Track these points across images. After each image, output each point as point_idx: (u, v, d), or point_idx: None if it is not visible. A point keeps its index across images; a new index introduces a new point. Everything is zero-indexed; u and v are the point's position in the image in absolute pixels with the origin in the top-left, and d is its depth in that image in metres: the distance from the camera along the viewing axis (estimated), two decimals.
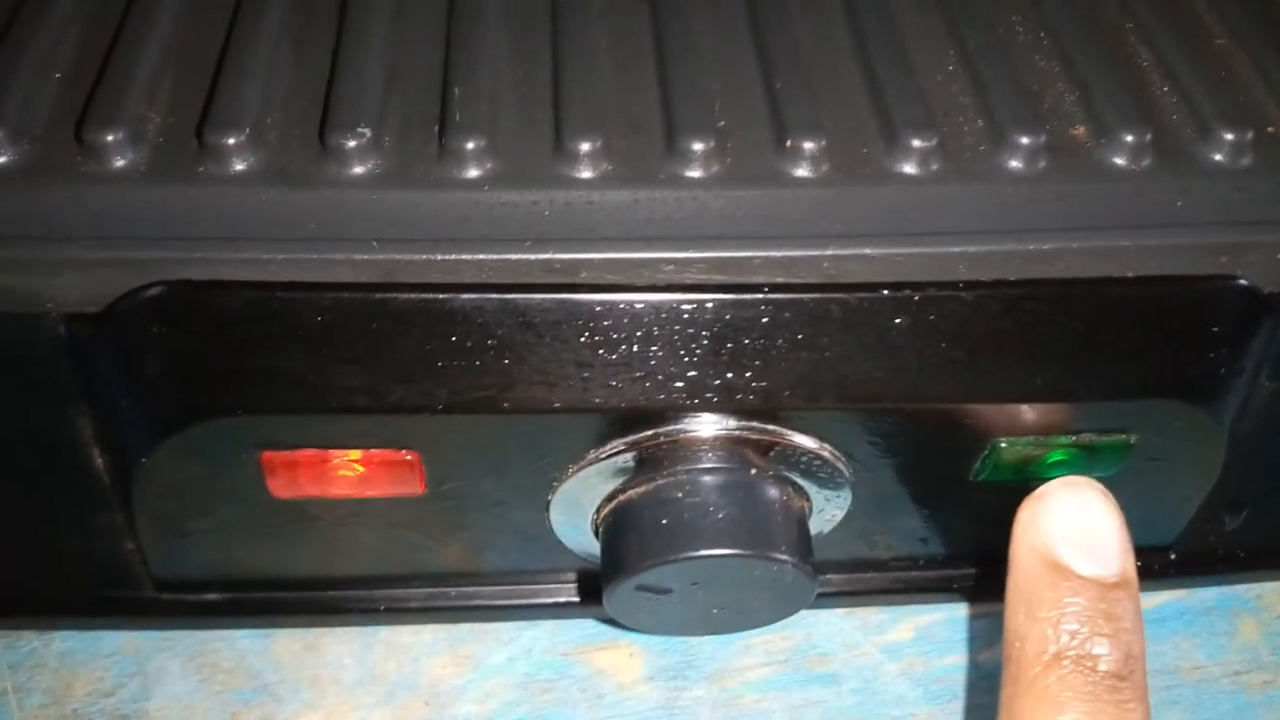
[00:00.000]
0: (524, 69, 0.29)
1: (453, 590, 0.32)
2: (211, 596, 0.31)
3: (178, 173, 0.26)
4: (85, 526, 0.30)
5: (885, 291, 0.25)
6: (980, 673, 0.35)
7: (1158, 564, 0.35)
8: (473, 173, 0.27)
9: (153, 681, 0.32)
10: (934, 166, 0.28)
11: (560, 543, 0.30)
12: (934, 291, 0.25)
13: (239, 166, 0.26)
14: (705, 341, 0.25)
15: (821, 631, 0.34)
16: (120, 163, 0.26)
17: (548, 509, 0.28)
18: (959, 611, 0.35)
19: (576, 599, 0.32)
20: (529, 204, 0.26)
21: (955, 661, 0.35)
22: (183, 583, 0.31)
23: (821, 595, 0.29)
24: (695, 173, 0.27)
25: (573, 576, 0.32)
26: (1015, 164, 0.28)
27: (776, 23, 0.31)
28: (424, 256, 0.25)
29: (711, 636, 0.34)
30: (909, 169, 0.27)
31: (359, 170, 0.26)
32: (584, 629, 0.35)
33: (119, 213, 0.25)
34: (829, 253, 0.25)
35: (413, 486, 0.27)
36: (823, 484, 0.28)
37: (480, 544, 0.30)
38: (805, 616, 0.32)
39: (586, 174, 0.27)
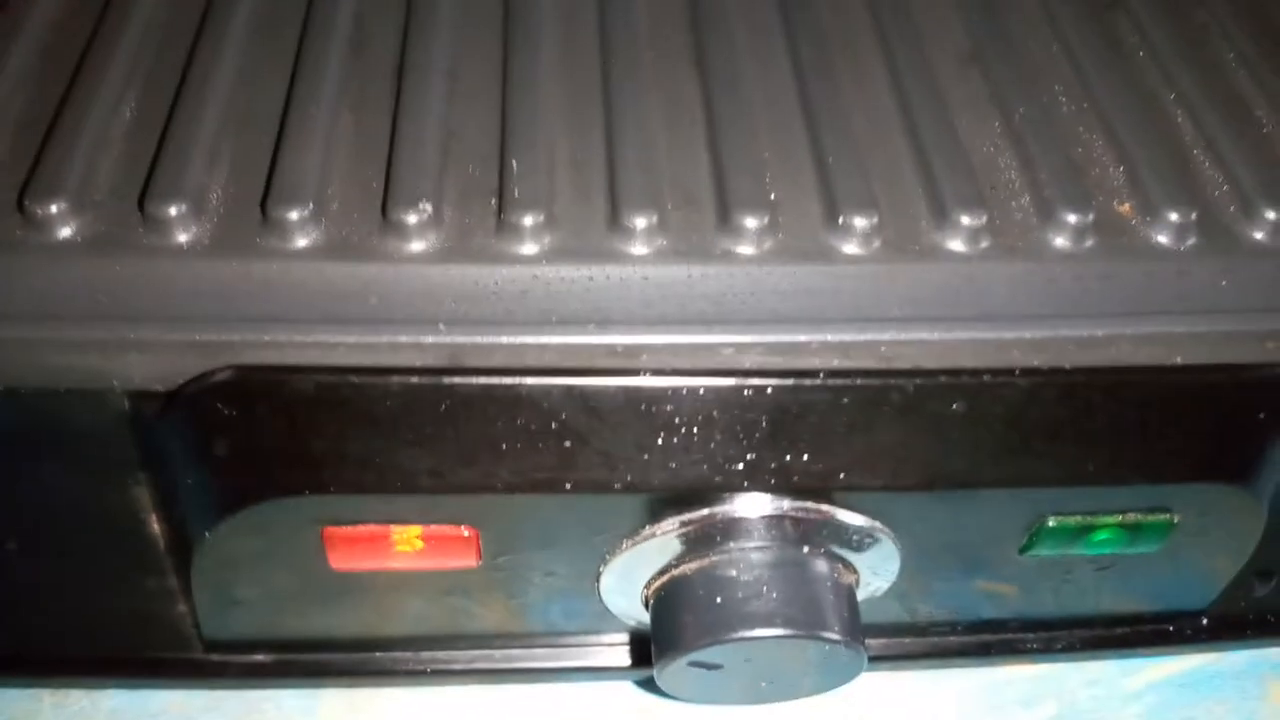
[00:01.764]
0: (577, 138, 0.29)
1: (497, 653, 0.32)
2: (260, 657, 0.32)
3: (241, 248, 0.26)
4: (137, 590, 0.30)
5: (943, 378, 0.25)
6: None
7: (1190, 628, 0.35)
8: (531, 248, 0.27)
9: None
10: (983, 244, 0.28)
11: (607, 609, 0.30)
12: (991, 379, 0.25)
13: (302, 242, 0.26)
14: (764, 425, 0.25)
15: (860, 696, 0.34)
16: (184, 236, 0.26)
17: (598, 579, 0.29)
18: (997, 675, 0.36)
19: (619, 663, 0.33)
20: (585, 279, 0.27)
21: None
22: (232, 644, 0.31)
23: None
24: (748, 249, 0.27)
25: (616, 640, 0.33)
26: (1062, 242, 0.28)
27: (824, 91, 0.31)
28: (488, 339, 0.25)
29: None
30: (958, 246, 0.28)
31: (420, 245, 0.27)
32: (625, 698, 0.35)
33: (183, 289, 0.26)
34: (885, 337, 0.26)
35: (468, 559, 0.27)
36: (871, 559, 0.28)
37: (527, 610, 0.31)
38: None
39: (641, 249, 0.27)
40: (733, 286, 0.27)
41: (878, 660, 0.33)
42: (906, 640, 0.33)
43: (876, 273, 0.27)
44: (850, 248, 0.28)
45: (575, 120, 0.30)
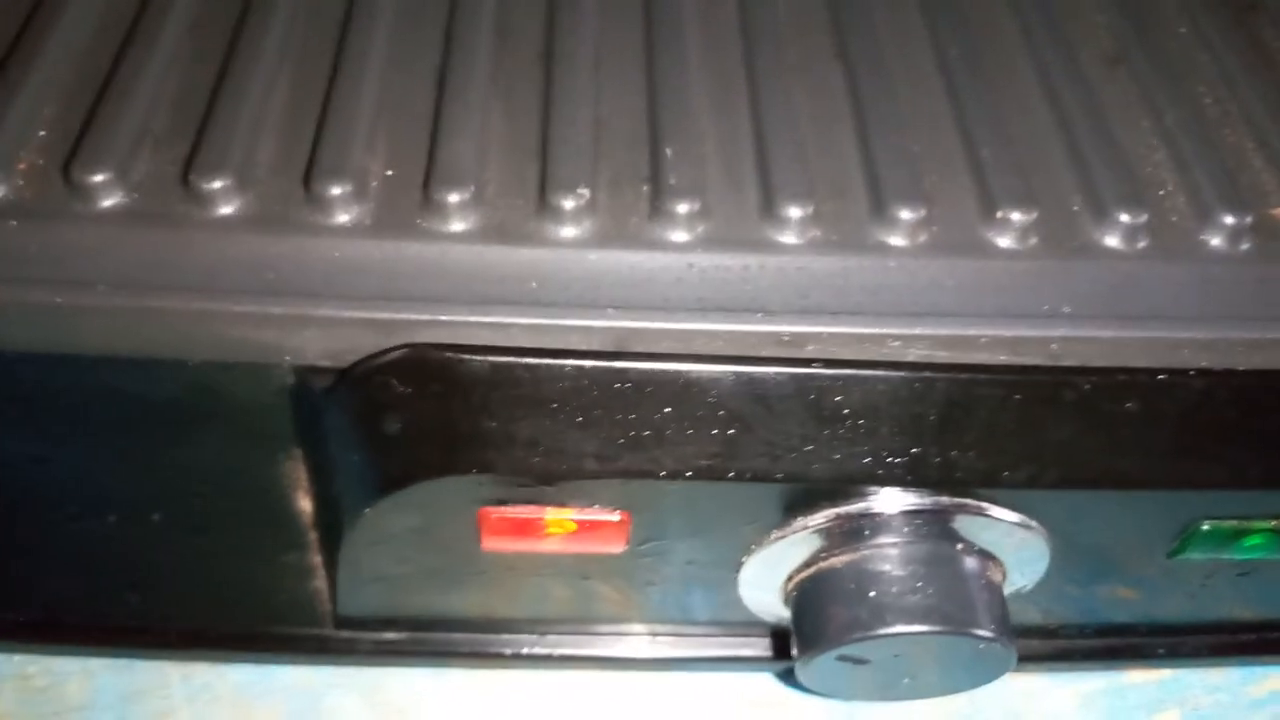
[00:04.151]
0: (726, 129, 0.29)
1: (628, 640, 0.32)
2: (389, 635, 0.32)
3: (403, 228, 0.26)
4: (274, 565, 0.30)
5: (1120, 377, 0.25)
6: None
7: None
8: (684, 235, 0.27)
9: None
10: (1140, 244, 0.28)
11: (739, 600, 0.30)
12: (1166, 378, 0.25)
13: (461, 225, 0.26)
14: (931, 419, 0.25)
15: (983, 696, 0.34)
16: (345, 216, 0.26)
17: (739, 569, 0.29)
18: (1120, 679, 0.35)
19: (748, 654, 0.33)
20: (740, 268, 0.27)
21: None
22: (363, 621, 0.31)
23: None
24: (902, 241, 0.27)
25: (743, 633, 0.33)
26: (1219, 244, 0.28)
27: (971, 86, 0.31)
28: (657, 325, 0.25)
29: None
30: (1115, 244, 0.28)
31: (576, 230, 0.27)
32: (752, 688, 0.35)
33: (347, 267, 0.26)
34: (1056, 333, 0.25)
35: (616, 545, 0.27)
36: (1019, 557, 0.28)
37: (659, 598, 0.31)
38: None
39: (795, 240, 0.27)
40: (888, 279, 0.27)
41: None
42: (1035, 641, 0.33)
43: (1035, 269, 0.27)
44: (1007, 242, 0.27)
45: (722, 111, 0.30)
